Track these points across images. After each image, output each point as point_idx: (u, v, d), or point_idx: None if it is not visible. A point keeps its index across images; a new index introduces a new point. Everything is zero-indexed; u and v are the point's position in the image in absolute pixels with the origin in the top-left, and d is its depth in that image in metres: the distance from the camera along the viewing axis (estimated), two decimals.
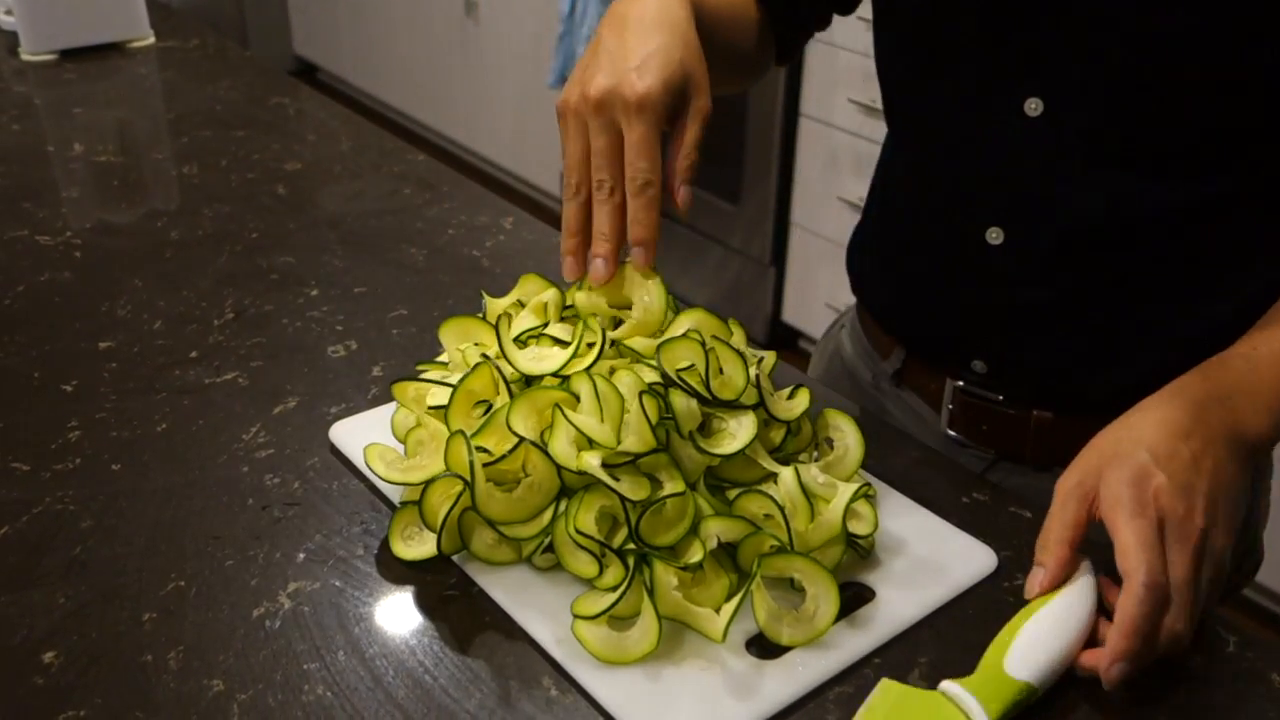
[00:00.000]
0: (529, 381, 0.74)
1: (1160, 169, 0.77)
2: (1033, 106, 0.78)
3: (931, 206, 0.89)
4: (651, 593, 0.65)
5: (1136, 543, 0.62)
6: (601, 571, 0.67)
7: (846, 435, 0.77)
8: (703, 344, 0.73)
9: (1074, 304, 0.83)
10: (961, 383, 0.91)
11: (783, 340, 2.86)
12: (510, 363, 0.73)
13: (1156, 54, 0.72)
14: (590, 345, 0.74)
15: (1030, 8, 0.76)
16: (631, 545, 0.67)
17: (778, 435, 0.75)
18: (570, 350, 0.73)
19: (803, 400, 0.76)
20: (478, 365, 0.74)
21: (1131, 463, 0.65)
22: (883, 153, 0.99)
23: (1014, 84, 0.78)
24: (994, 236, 0.83)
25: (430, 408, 0.76)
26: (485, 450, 0.69)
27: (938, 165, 0.88)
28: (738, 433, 0.71)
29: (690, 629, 0.66)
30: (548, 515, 0.69)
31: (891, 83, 0.92)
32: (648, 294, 0.77)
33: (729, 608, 0.65)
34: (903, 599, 0.69)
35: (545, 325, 0.77)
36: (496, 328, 0.75)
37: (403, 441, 0.76)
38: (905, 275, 0.94)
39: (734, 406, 0.72)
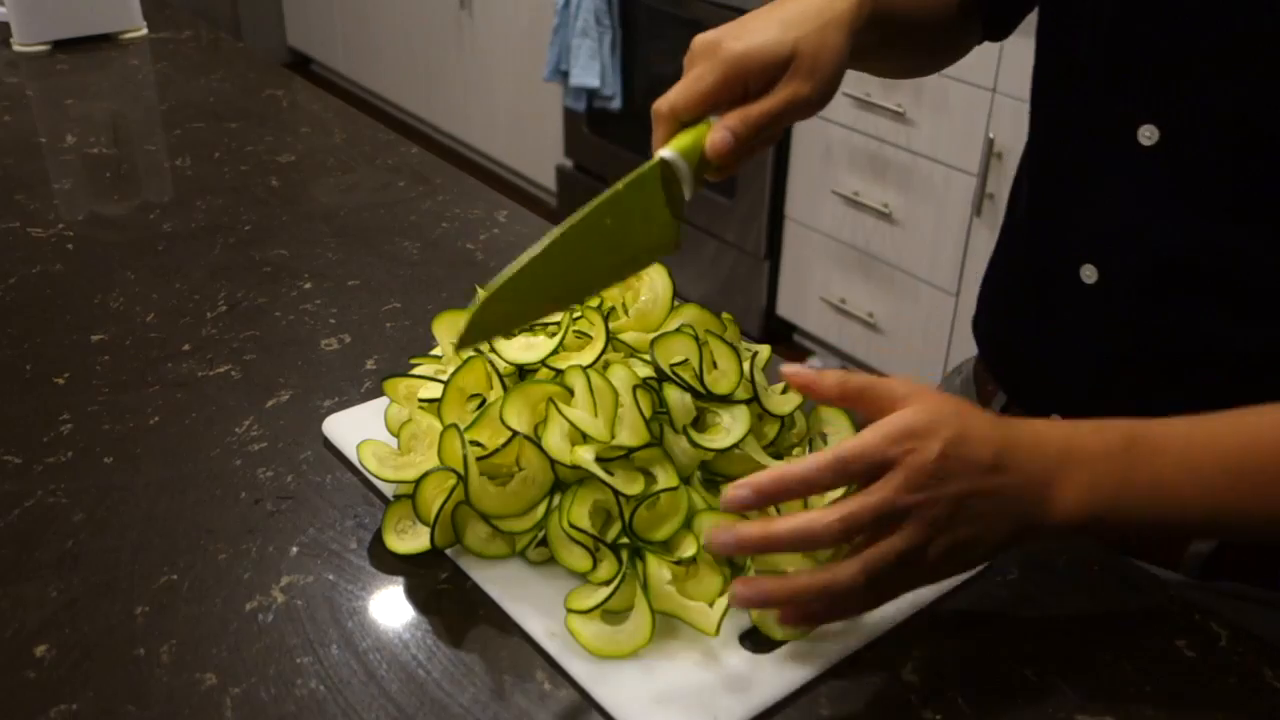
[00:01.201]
0: (522, 376, 0.74)
1: (1272, 214, 0.71)
2: (1147, 135, 0.73)
3: (1032, 239, 0.86)
4: (645, 587, 0.65)
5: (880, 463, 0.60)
6: (595, 566, 0.67)
7: (840, 430, 0.77)
8: (696, 339, 0.73)
9: (1166, 352, 0.76)
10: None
11: (777, 334, 2.86)
12: (498, 353, 0.73)
13: None
14: (579, 335, 0.74)
15: (1156, 29, 0.71)
16: (625, 540, 0.67)
17: (771, 430, 0.75)
18: (558, 338, 0.73)
19: (796, 395, 0.76)
20: (469, 359, 0.74)
21: (945, 436, 0.61)
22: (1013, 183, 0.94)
23: (1131, 109, 0.73)
24: (1088, 275, 0.79)
25: (422, 401, 0.76)
26: (479, 444, 0.69)
27: (1045, 193, 0.84)
28: (731, 427, 0.71)
29: (684, 623, 0.66)
30: (541, 509, 0.69)
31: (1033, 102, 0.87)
32: (656, 283, 0.77)
33: (722, 602, 0.65)
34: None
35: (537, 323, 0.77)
36: None
37: (396, 435, 0.76)
38: (1008, 309, 0.90)
39: (727, 401, 0.72)
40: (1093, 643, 0.67)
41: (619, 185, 0.67)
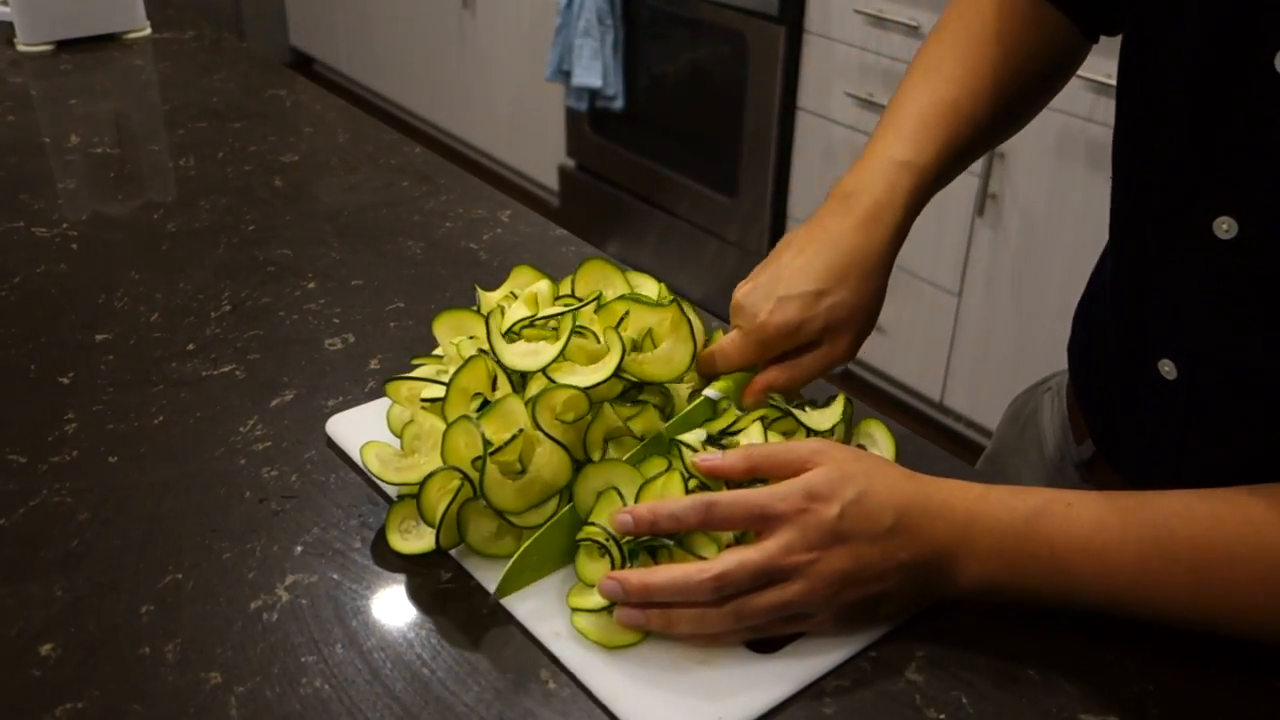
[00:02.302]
0: (524, 380, 0.74)
1: None
2: (1224, 228, 0.66)
3: (1117, 319, 0.81)
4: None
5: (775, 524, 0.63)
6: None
7: (878, 444, 0.77)
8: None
9: (1247, 453, 0.71)
10: None
11: None
12: (499, 358, 0.73)
13: None
14: (580, 333, 0.74)
15: (1235, 119, 0.65)
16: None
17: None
18: (559, 345, 0.73)
19: (836, 410, 0.77)
20: (470, 359, 0.74)
21: (846, 497, 0.64)
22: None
23: (1208, 200, 0.67)
24: (1166, 370, 0.73)
25: (424, 401, 0.76)
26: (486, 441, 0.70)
27: (1126, 275, 0.79)
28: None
29: None
30: (552, 504, 0.69)
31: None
32: (676, 350, 0.77)
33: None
34: None
35: (535, 316, 0.77)
36: (487, 322, 0.75)
37: (399, 436, 0.76)
38: (1096, 371, 0.87)
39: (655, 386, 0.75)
40: (1097, 642, 0.67)
41: (670, 422, 0.74)
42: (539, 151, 3.52)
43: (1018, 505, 0.65)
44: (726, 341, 0.78)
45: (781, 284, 0.76)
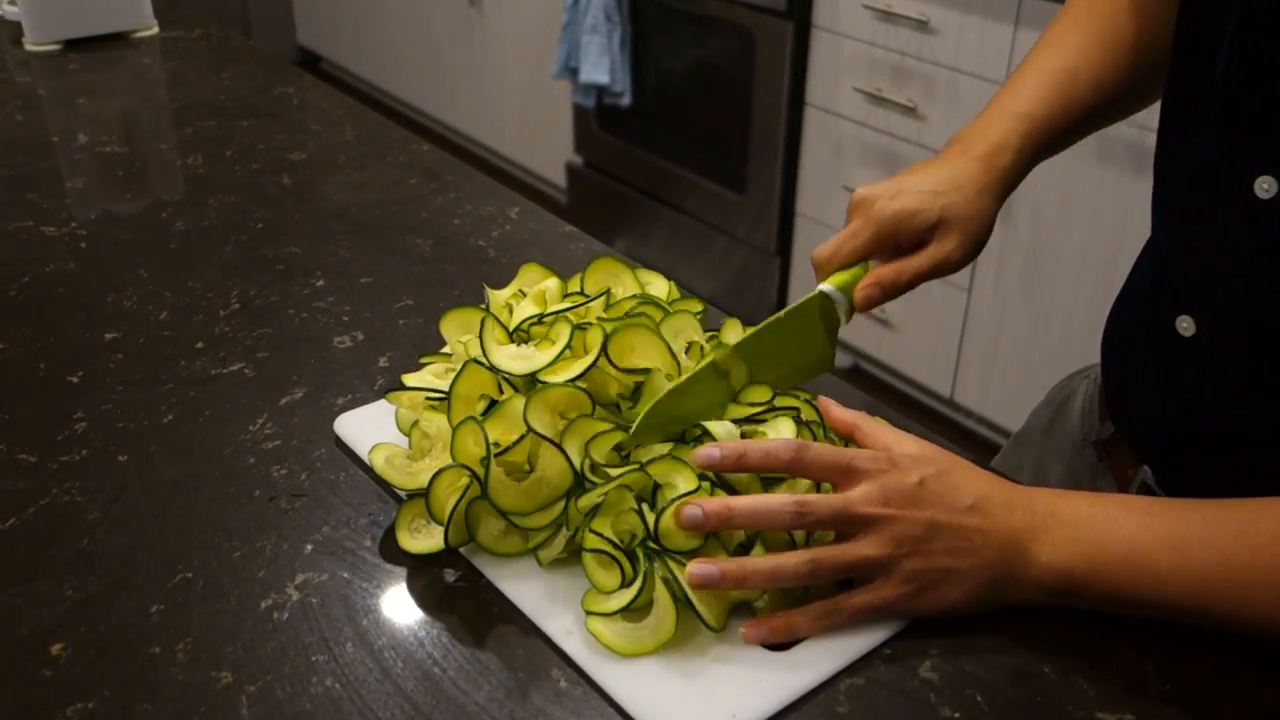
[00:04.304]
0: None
1: None
2: (1265, 187, 0.68)
3: (1145, 280, 0.84)
4: (674, 596, 0.64)
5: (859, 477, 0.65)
6: (621, 577, 0.66)
7: None
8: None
9: (1259, 418, 0.73)
10: (1147, 475, 0.83)
11: None
12: (489, 361, 0.73)
13: None
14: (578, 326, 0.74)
15: (1275, 77, 0.67)
16: (652, 544, 0.66)
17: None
18: (555, 351, 0.72)
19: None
20: (467, 364, 0.73)
21: (927, 471, 0.66)
22: None
23: (1248, 160, 0.69)
24: (1184, 326, 0.76)
25: (430, 399, 0.76)
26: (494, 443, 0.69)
27: (1159, 236, 0.81)
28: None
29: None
30: (558, 507, 0.69)
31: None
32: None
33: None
34: None
35: (544, 314, 0.77)
36: (482, 326, 0.74)
37: (407, 435, 0.76)
38: (1120, 342, 0.89)
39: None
40: (1113, 641, 0.66)
41: (783, 311, 0.76)
42: (547, 148, 3.52)
43: (1098, 501, 0.66)
44: (843, 231, 0.80)
45: (903, 184, 0.80)
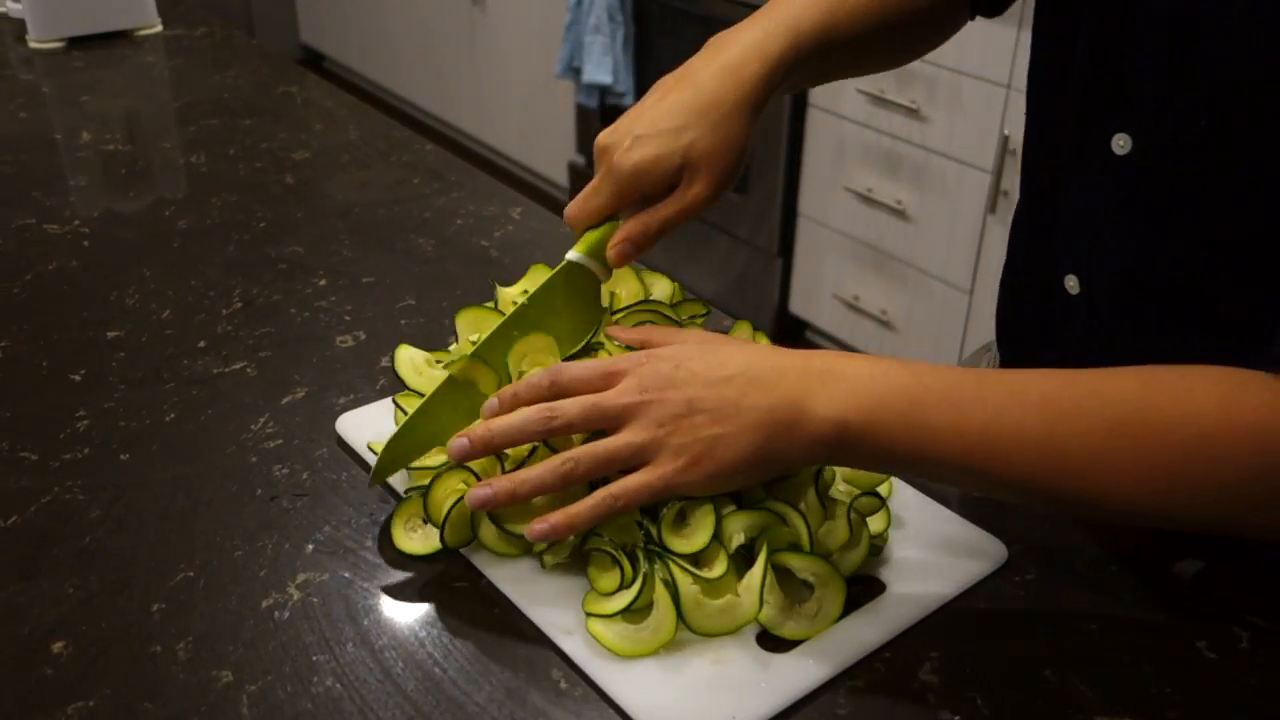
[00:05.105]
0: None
1: (1239, 236, 0.68)
2: (1120, 144, 0.72)
3: (1026, 243, 0.86)
4: (677, 605, 0.64)
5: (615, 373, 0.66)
6: (622, 578, 0.66)
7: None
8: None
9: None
10: None
11: (790, 331, 2.86)
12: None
13: (1249, 104, 0.65)
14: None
15: (1130, 37, 0.71)
16: (653, 546, 0.66)
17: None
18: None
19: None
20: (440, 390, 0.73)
21: (685, 352, 0.67)
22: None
23: (1107, 116, 0.73)
24: (1071, 285, 0.79)
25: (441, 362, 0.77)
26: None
27: (1033, 199, 0.84)
28: None
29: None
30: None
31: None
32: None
33: (750, 583, 0.65)
34: (914, 592, 0.69)
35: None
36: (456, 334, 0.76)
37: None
38: (1013, 309, 0.91)
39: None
40: (1112, 644, 0.66)
41: (528, 296, 0.76)
42: (550, 148, 3.52)
43: (878, 361, 0.65)
44: (588, 187, 0.78)
45: (640, 123, 0.76)
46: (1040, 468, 0.61)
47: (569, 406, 0.65)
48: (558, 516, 0.65)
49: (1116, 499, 0.61)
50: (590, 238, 0.77)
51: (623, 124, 0.77)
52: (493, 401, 0.68)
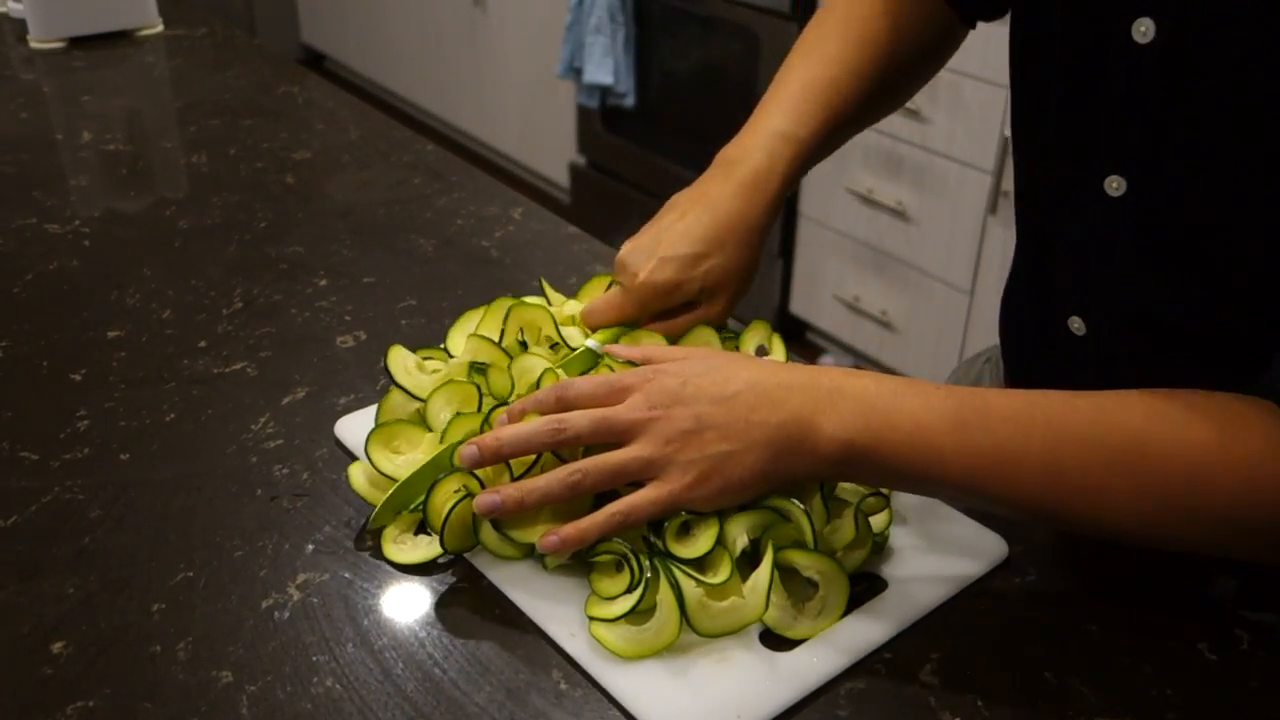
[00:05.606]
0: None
1: (1238, 273, 0.68)
2: (1114, 186, 0.71)
3: (1030, 282, 0.85)
4: (683, 609, 0.64)
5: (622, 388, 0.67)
6: (629, 584, 0.66)
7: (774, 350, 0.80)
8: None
9: None
10: None
11: (790, 333, 2.86)
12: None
13: (1242, 144, 0.64)
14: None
15: (1110, 85, 0.70)
16: (654, 544, 0.66)
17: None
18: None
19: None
20: (455, 420, 0.74)
21: (694, 369, 0.67)
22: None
23: (1097, 160, 0.72)
24: (1076, 327, 0.78)
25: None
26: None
27: (1032, 239, 0.83)
28: None
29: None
30: (546, 520, 0.69)
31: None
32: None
33: (758, 581, 0.64)
34: (915, 591, 0.69)
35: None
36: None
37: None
38: (1019, 345, 0.91)
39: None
40: (1113, 645, 0.66)
41: (557, 368, 0.77)
42: (550, 149, 3.52)
43: (886, 380, 0.66)
44: (609, 296, 0.81)
45: (663, 245, 0.80)
46: (1043, 492, 0.63)
47: (578, 419, 0.66)
48: (568, 530, 0.65)
49: (1116, 523, 0.63)
50: (606, 334, 0.81)
51: (643, 242, 0.81)
52: (471, 449, 0.68)
